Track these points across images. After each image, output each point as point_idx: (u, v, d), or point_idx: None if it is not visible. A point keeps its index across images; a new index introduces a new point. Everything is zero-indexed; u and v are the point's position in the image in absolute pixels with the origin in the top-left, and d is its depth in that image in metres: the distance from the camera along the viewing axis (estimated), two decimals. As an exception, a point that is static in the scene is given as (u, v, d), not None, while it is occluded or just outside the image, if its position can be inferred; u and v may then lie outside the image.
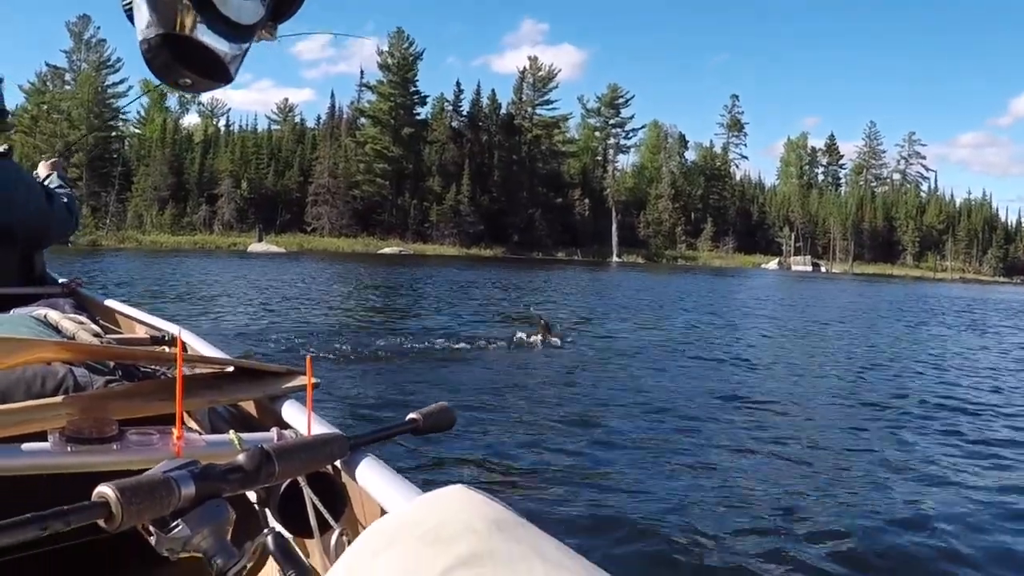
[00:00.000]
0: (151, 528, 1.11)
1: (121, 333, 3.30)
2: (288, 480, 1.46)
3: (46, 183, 4.07)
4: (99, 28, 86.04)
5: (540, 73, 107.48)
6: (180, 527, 1.11)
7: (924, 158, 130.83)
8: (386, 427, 1.69)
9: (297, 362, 2.10)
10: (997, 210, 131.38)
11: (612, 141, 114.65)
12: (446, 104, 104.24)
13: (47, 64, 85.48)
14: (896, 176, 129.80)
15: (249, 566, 1.17)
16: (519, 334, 14.67)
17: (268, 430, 1.78)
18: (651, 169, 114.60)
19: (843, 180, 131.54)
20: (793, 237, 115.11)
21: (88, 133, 74.29)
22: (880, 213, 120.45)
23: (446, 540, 0.61)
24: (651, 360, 13.54)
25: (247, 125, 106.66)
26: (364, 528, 0.69)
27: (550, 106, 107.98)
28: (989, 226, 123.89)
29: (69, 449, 1.52)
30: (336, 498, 1.58)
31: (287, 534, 1.30)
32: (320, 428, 1.69)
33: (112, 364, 2.11)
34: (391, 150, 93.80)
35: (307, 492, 1.50)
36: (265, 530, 1.19)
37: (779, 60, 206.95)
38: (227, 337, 12.96)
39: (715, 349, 15.65)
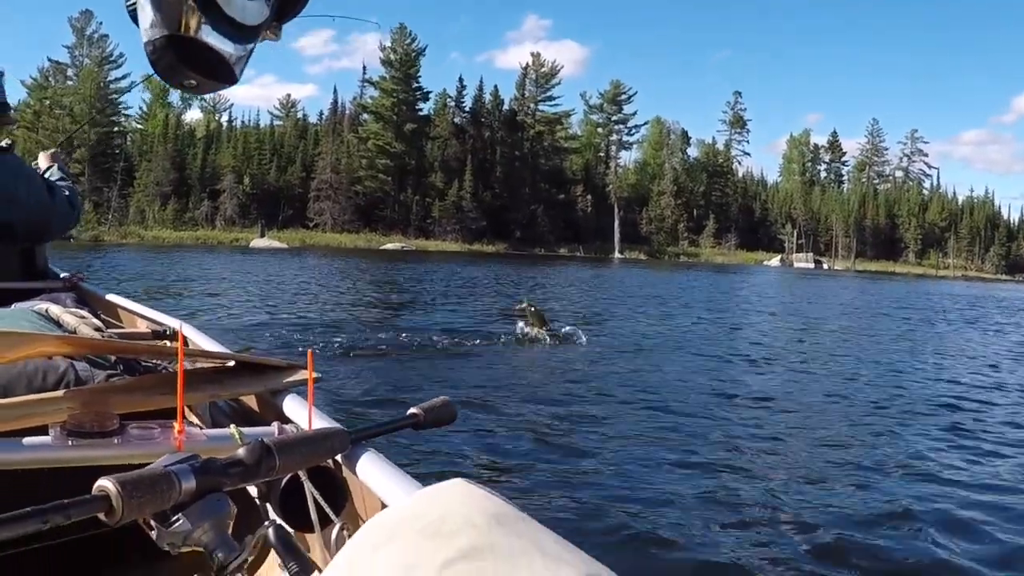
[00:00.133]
0: (152, 522, 1.11)
1: (122, 327, 3.30)
2: (289, 474, 1.46)
3: (47, 175, 4.07)
4: (101, 24, 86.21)
5: (543, 69, 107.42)
6: (181, 521, 1.10)
7: (927, 155, 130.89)
8: (387, 422, 1.69)
9: (298, 357, 2.08)
10: (1000, 208, 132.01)
11: (614, 137, 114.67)
12: (449, 100, 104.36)
13: (49, 59, 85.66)
14: (899, 173, 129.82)
15: (250, 560, 1.17)
16: (521, 329, 14.66)
17: (269, 424, 1.78)
18: (653, 165, 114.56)
19: (845, 177, 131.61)
20: (795, 234, 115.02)
21: (84, 123, 74.09)
22: (882, 210, 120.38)
23: (446, 534, 0.61)
24: (652, 356, 13.54)
25: (249, 120, 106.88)
26: (365, 522, 0.68)
27: (553, 102, 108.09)
28: (991, 224, 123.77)
29: (70, 443, 1.52)
30: (337, 492, 1.58)
31: (288, 528, 1.29)
32: (321, 422, 1.69)
33: (113, 358, 2.11)
34: (393, 146, 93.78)
35: (308, 486, 1.50)
36: (266, 522, 1.20)
37: (782, 57, 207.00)
38: (228, 332, 12.94)
39: (716, 346, 15.64)
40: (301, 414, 1.81)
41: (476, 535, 0.61)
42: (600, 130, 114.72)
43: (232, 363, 2.10)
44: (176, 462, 1.14)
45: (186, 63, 1.22)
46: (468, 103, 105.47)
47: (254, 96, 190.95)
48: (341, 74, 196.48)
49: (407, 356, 12.06)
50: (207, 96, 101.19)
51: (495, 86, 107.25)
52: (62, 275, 4.06)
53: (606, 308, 23.78)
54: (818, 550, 5.11)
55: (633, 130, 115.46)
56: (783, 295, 39.16)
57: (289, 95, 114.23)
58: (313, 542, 1.55)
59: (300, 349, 11.55)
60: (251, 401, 2.15)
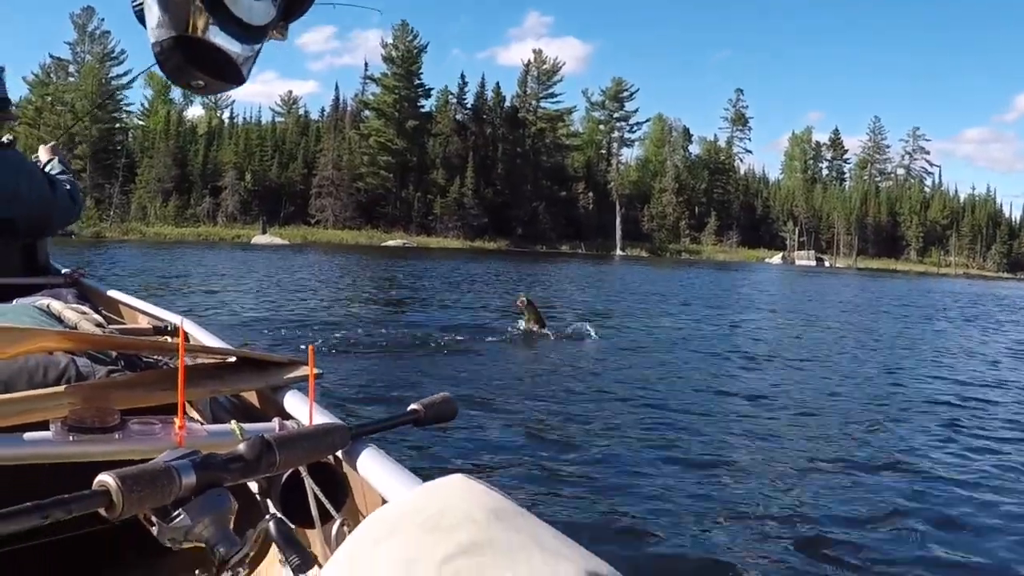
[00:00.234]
0: (153, 518, 1.11)
1: (123, 323, 3.30)
2: (289, 470, 1.46)
3: (47, 169, 4.06)
4: (103, 20, 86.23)
5: (544, 66, 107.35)
6: (181, 516, 1.11)
7: (928, 153, 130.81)
8: (388, 418, 1.69)
9: (299, 353, 2.08)
10: (1001, 206, 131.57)
11: (616, 135, 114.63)
12: (450, 97, 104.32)
13: (51, 56, 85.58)
14: (900, 171, 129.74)
15: (252, 554, 1.17)
16: (519, 325, 14.69)
17: (270, 420, 1.78)
18: (655, 163, 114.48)
19: (847, 175, 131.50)
20: (797, 232, 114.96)
21: (83, 116, 74.11)
22: (884, 208, 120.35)
23: (446, 529, 0.61)
24: (652, 353, 13.54)
25: (251, 117, 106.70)
26: (365, 518, 0.68)
27: (554, 99, 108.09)
28: (993, 222, 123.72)
29: (71, 438, 1.51)
30: (337, 488, 1.58)
31: (288, 522, 1.30)
32: (322, 418, 1.69)
33: (114, 354, 2.11)
34: (395, 143, 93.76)
35: (308, 482, 1.50)
36: (267, 515, 1.19)
37: (783, 54, 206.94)
38: (229, 328, 12.95)
39: (717, 343, 15.64)
40: (302, 410, 1.81)
41: (476, 530, 0.61)
42: (602, 127, 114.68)
43: (233, 359, 2.10)
44: (177, 458, 1.14)
45: (194, 64, 1.22)
46: (470, 100, 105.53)
47: (256, 93, 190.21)
48: (343, 71, 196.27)
49: (408, 352, 12.06)
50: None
51: (497, 83, 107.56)
52: (63, 271, 4.06)
53: (607, 305, 23.77)
54: (815, 547, 5.11)
55: (635, 127, 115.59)
56: (785, 292, 39.16)
57: (291, 92, 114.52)
58: (314, 538, 1.55)
59: (301, 345, 11.54)
60: (252, 397, 2.15)
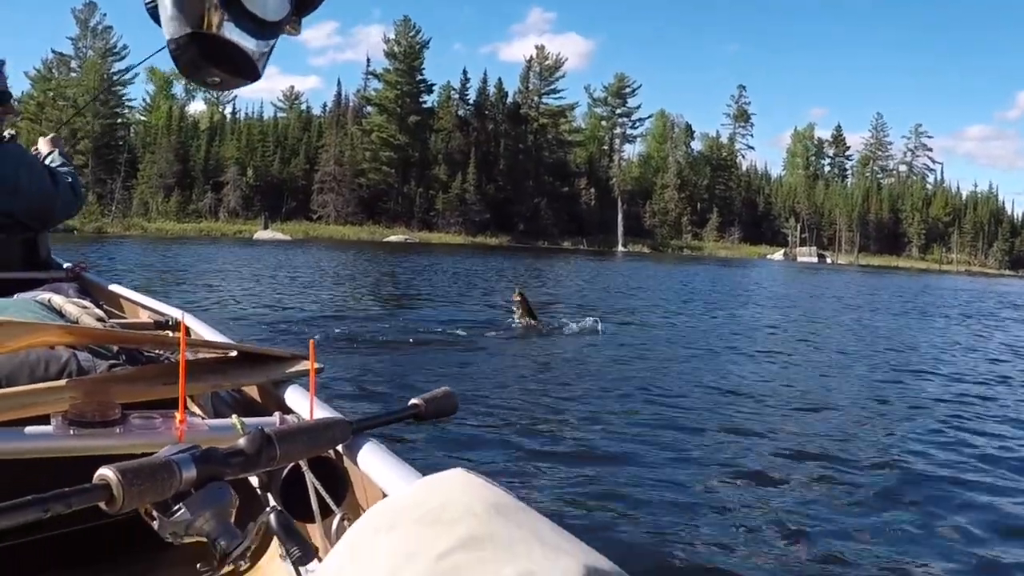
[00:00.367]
0: (154, 512, 1.11)
1: (125, 318, 3.30)
2: (290, 464, 1.46)
3: (48, 161, 4.06)
4: (105, 15, 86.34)
5: (547, 62, 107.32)
6: (182, 510, 1.11)
7: (931, 150, 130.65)
8: (388, 412, 1.69)
9: (300, 347, 2.08)
10: (1003, 203, 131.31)
11: (618, 131, 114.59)
12: (452, 92, 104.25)
13: (53, 51, 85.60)
14: (902, 168, 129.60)
15: (253, 548, 1.17)
16: (515, 319, 14.72)
17: (271, 414, 1.78)
18: (657, 159, 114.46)
19: (849, 171, 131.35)
20: (799, 228, 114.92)
21: (83, 108, 74.06)
22: (886, 205, 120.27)
23: (446, 523, 0.61)
24: (652, 349, 13.54)
25: (253, 112, 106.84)
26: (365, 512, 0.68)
27: (557, 95, 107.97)
28: (995, 219, 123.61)
29: (72, 433, 1.51)
30: (338, 482, 1.58)
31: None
32: (323, 412, 1.69)
33: (116, 348, 2.12)
34: (397, 138, 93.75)
35: (309, 476, 1.50)
36: (267, 508, 1.21)
37: (786, 51, 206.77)
38: (231, 322, 12.95)
39: (717, 339, 15.63)
40: (303, 404, 1.81)
41: (475, 524, 0.61)
42: (604, 123, 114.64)
43: (234, 353, 2.10)
44: (177, 452, 1.14)
45: (209, 60, 1.23)
46: (472, 96, 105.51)
47: (257, 88, 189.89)
48: (345, 66, 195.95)
49: (409, 347, 12.07)
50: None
51: (499, 79, 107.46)
52: (65, 265, 4.06)
53: (608, 301, 23.76)
54: (813, 543, 5.11)
55: (637, 123, 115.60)
56: (786, 289, 39.14)
57: (293, 87, 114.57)
58: (314, 532, 1.55)
59: (303, 339, 11.56)
60: (253, 391, 2.15)
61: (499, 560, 0.57)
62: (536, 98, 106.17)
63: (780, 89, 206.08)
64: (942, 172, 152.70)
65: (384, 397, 8.36)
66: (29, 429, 1.51)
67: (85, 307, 2.55)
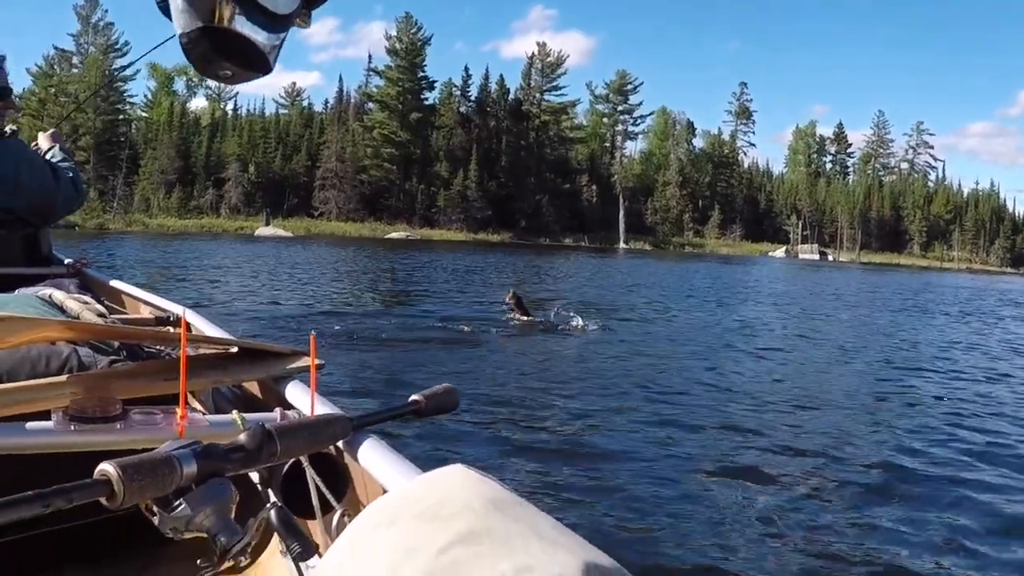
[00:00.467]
0: (154, 508, 1.11)
1: (126, 313, 3.30)
2: (291, 460, 1.46)
3: (48, 156, 4.06)
4: (106, 11, 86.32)
5: (548, 59, 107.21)
6: (182, 506, 1.11)
7: (932, 147, 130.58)
8: (389, 408, 1.69)
9: (301, 343, 2.08)
10: (1005, 200, 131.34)
11: (620, 128, 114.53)
12: (454, 89, 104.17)
13: (55, 47, 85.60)
14: (904, 165, 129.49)
15: (253, 544, 1.17)
16: (519, 319, 14.75)
17: (271, 410, 1.78)
18: (659, 156, 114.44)
19: (851, 169, 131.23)
20: (800, 225, 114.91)
21: (83, 103, 74.01)
22: (888, 202, 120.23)
23: (445, 518, 0.62)
24: (653, 345, 13.55)
25: (255, 109, 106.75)
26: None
27: (558, 92, 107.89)
28: (996, 216, 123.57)
29: (72, 428, 1.52)
30: (338, 478, 1.58)
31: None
32: (324, 409, 1.69)
33: (116, 344, 2.11)
34: (399, 135, 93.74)
35: (309, 472, 1.50)
36: (268, 504, 1.20)
37: (788, 49, 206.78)
38: (232, 318, 12.97)
39: (718, 335, 15.64)
40: (303, 400, 1.81)
41: (474, 519, 0.61)
42: (606, 120, 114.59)
43: (235, 349, 2.10)
44: (178, 447, 1.14)
45: (221, 54, 1.23)
46: (474, 93, 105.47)
47: (259, 84, 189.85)
48: (346, 63, 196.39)
49: (410, 344, 12.07)
50: (212, 84, 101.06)
51: (501, 76, 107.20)
52: (66, 261, 4.06)
53: (609, 298, 23.76)
54: (811, 540, 5.12)
55: (639, 120, 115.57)
56: (787, 286, 39.12)
57: (294, 83, 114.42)
58: (315, 528, 1.55)
59: (304, 336, 11.56)
60: (253, 387, 2.15)
61: (497, 555, 0.57)
62: (538, 95, 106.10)
63: (782, 86, 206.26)
64: (944, 169, 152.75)
65: (384, 393, 8.36)
66: (30, 425, 1.51)
67: (86, 303, 2.55)
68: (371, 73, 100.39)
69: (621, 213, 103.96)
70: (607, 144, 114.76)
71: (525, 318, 14.80)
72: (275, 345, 2.16)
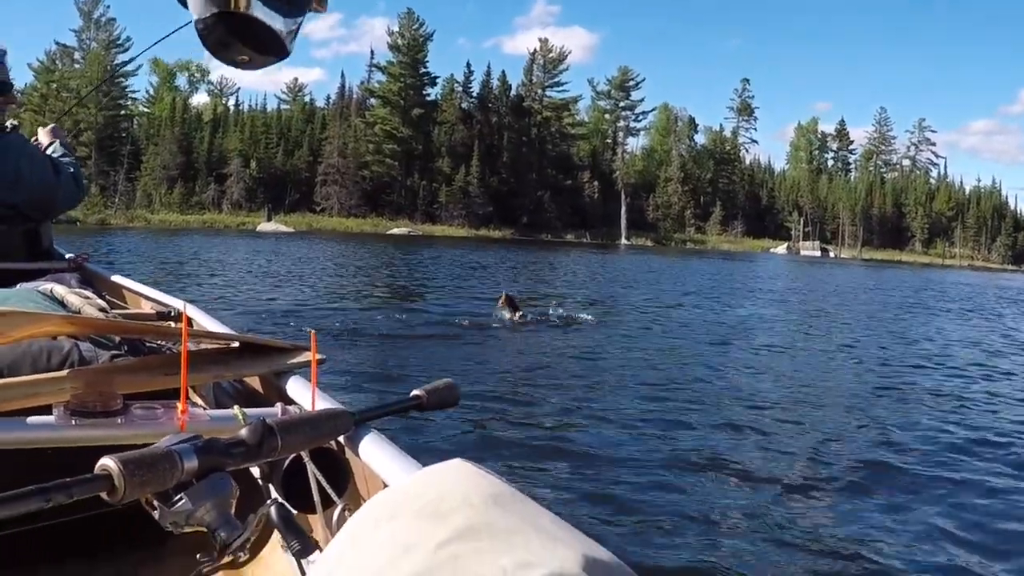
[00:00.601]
0: (155, 502, 1.11)
1: (127, 308, 3.29)
2: (292, 455, 1.46)
3: (49, 151, 4.05)
4: (108, 7, 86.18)
5: (551, 55, 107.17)
6: (183, 501, 1.11)
7: (934, 144, 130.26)
8: (390, 403, 1.69)
9: (302, 338, 2.08)
10: (1006, 198, 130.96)
11: (622, 124, 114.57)
12: (456, 85, 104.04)
13: (56, 43, 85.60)
14: (906, 162, 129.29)
15: (253, 539, 1.16)
16: (515, 318, 14.76)
17: (273, 405, 1.78)
18: (661, 152, 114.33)
19: (853, 166, 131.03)
20: (802, 222, 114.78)
21: (83, 97, 73.94)
22: (889, 199, 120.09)
23: (444, 513, 0.62)
24: (653, 341, 13.56)
25: (256, 104, 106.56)
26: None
27: (560, 88, 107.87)
28: (998, 214, 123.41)
29: (74, 423, 1.52)
30: (339, 473, 1.58)
31: (290, 507, 1.30)
32: (324, 404, 1.69)
33: (118, 339, 2.11)
34: (401, 131, 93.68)
35: (310, 467, 1.50)
36: (268, 501, 1.20)
37: (790, 45, 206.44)
38: (233, 313, 12.98)
39: (719, 332, 15.64)
40: (304, 395, 1.80)
41: (473, 514, 0.61)
42: (607, 116, 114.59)
43: (236, 344, 2.10)
44: (179, 442, 1.14)
45: (237, 38, 1.21)
46: (475, 88, 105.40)
47: (261, 80, 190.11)
48: (348, 58, 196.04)
49: (411, 339, 12.09)
50: (214, 80, 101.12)
51: (503, 72, 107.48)
52: (67, 256, 4.05)
53: (610, 294, 23.79)
54: (810, 537, 5.12)
55: (640, 116, 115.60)
56: (788, 283, 39.12)
57: (296, 79, 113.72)
58: (315, 523, 1.56)
59: (304, 331, 11.55)
60: (255, 382, 2.15)
61: (497, 550, 0.57)
62: (540, 91, 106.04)
63: (784, 83, 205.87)
64: (945, 167, 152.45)
65: (385, 388, 8.37)
66: (31, 419, 1.51)
67: (87, 297, 2.55)
68: (373, 69, 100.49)
69: (623, 209, 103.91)
70: (609, 140, 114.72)
71: (517, 314, 14.76)
72: (276, 340, 2.15)
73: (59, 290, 2.55)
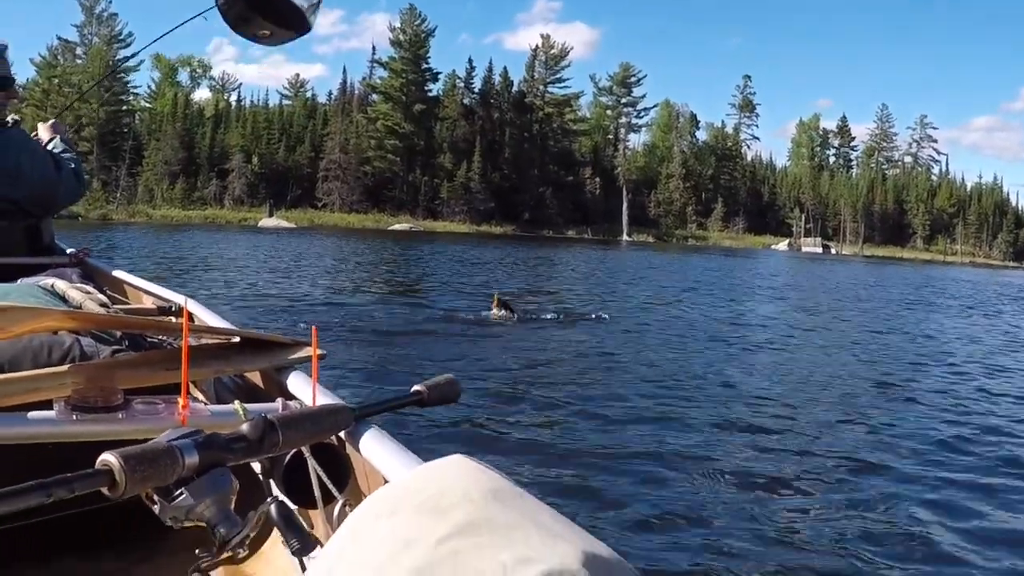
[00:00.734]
0: (155, 497, 1.10)
1: (128, 303, 3.29)
2: (292, 451, 1.46)
3: (49, 147, 4.05)
4: (110, 2, 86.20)
5: (552, 51, 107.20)
6: (183, 496, 1.10)
7: (936, 141, 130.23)
8: (391, 398, 1.69)
9: (303, 334, 2.08)
10: (1008, 194, 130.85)
11: (623, 120, 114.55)
12: (458, 81, 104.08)
13: (58, 38, 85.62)
14: (907, 159, 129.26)
15: (252, 535, 1.16)
16: (515, 314, 14.76)
17: (273, 401, 1.78)
18: (662, 148, 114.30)
19: (854, 162, 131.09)
20: (803, 218, 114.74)
21: (84, 92, 73.89)
22: (891, 196, 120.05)
23: (444, 509, 0.62)
24: (655, 338, 13.57)
25: (258, 100, 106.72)
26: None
27: (562, 84, 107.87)
28: (1000, 210, 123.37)
29: (74, 418, 1.52)
30: (340, 469, 1.58)
31: (291, 504, 1.29)
32: (325, 399, 1.69)
33: (119, 334, 2.11)
34: (402, 126, 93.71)
35: (311, 463, 1.50)
36: (268, 499, 1.19)
37: (792, 42, 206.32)
38: (234, 308, 12.99)
39: (720, 329, 15.64)
40: (305, 391, 1.80)
41: (473, 510, 0.61)
42: (609, 112, 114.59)
43: (237, 339, 2.10)
44: (179, 437, 1.13)
45: (258, 12, 1.20)
46: (477, 84, 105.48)
47: (263, 75, 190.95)
48: (350, 54, 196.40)
49: (412, 335, 12.09)
50: (216, 75, 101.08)
51: (504, 67, 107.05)
52: (68, 251, 4.04)
53: (612, 290, 23.80)
54: (810, 535, 5.13)
55: (642, 113, 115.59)
56: (789, 279, 39.13)
57: (298, 75, 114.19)
58: (316, 518, 1.56)
59: (304, 326, 11.57)
60: (255, 377, 2.15)
61: (497, 546, 0.57)
62: (541, 87, 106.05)
63: (785, 80, 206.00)
64: (947, 163, 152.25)
65: (386, 383, 8.39)
66: (32, 414, 1.51)
67: (88, 292, 2.55)
68: (375, 64, 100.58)
69: (624, 205, 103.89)
70: (610, 136, 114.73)
71: (512, 315, 14.75)
72: (277, 335, 2.15)
73: (60, 285, 2.54)
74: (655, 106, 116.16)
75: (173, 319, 2.67)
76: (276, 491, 1.49)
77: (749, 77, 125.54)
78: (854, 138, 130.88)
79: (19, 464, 1.40)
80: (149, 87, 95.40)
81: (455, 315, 14.31)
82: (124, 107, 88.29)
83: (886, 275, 51.23)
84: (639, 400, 8.68)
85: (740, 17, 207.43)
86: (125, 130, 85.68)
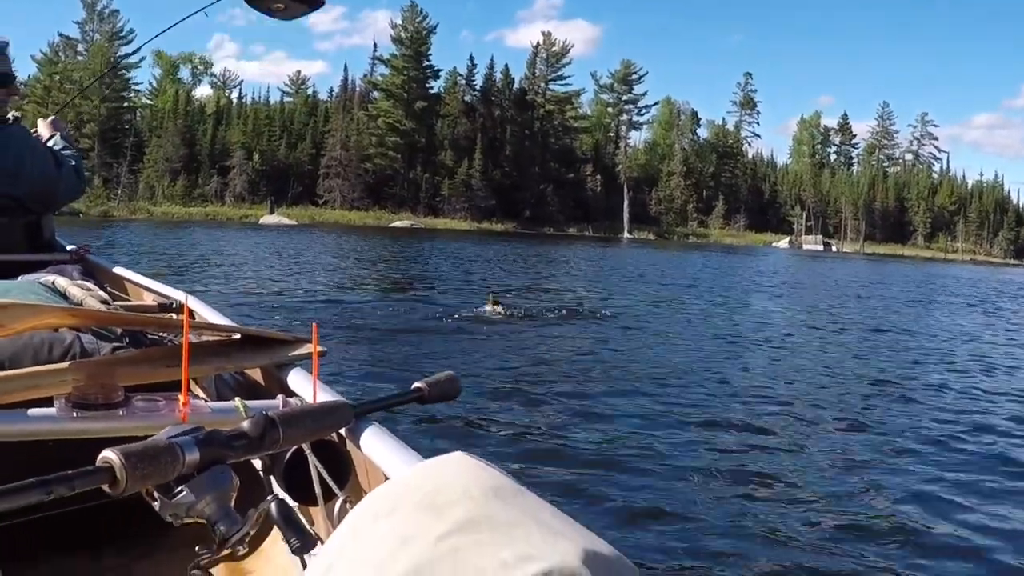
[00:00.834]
0: (155, 494, 1.10)
1: (129, 300, 3.29)
2: (293, 448, 1.46)
3: (49, 143, 4.04)
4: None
5: (553, 48, 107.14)
6: (184, 493, 1.10)
7: (936, 139, 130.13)
8: (391, 395, 1.69)
9: (304, 331, 2.08)
10: (1009, 192, 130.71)
11: (624, 117, 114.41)
12: (459, 78, 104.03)
13: (60, 34, 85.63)
14: (908, 157, 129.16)
15: (253, 533, 1.16)
16: (525, 309, 14.76)
17: (274, 397, 1.78)
18: (663, 146, 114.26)
19: (855, 160, 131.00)
20: (804, 216, 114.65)
21: (83, 89, 73.81)
22: (892, 193, 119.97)
23: (443, 506, 0.62)
24: (655, 336, 13.58)
25: (259, 97, 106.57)
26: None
27: (563, 81, 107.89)
28: (1000, 208, 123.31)
29: (75, 415, 1.52)
30: (341, 466, 1.58)
31: (291, 501, 1.30)
32: (326, 396, 1.69)
33: (119, 331, 2.11)
34: (403, 123, 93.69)
35: (312, 460, 1.50)
36: (268, 497, 1.19)
37: (793, 39, 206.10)
38: (235, 305, 12.98)
39: (721, 327, 15.64)
40: (306, 387, 1.80)
41: (473, 507, 0.61)
42: (610, 110, 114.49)
43: (238, 336, 2.10)
44: (180, 434, 1.13)
45: None
46: (478, 82, 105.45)
47: (264, 72, 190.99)
48: (351, 51, 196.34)
49: (412, 332, 12.09)
50: (217, 72, 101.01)
51: (505, 65, 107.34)
52: (69, 247, 4.04)
53: (612, 288, 23.80)
54: (810, 534, 5.13)
55: (643, 110, 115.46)
56: (790, 277, 39.11)
57: (299, 72, 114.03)
58: (317, 515, 1.56)
59: (306, 323, 11.55)
60: (256, 374, 2.15)
61: (497, 543, 0.57)
62: (542, 84, 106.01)
63: (787, 77, 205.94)
64: (948, 161, 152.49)
65: (387, 380, 8.40)
66: (32, 411, 1.52)
67: (89, 289, 2.55)
68: (376, 62, 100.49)
69: (625, 203, 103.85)
70: (611, 134, 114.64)
71: (503, 309, 14.77)
72: (277, 332, 2.15)
73: (61, 282, 2.54)
74: (656, 103, 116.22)
75: (174, 316, 2.66)
76: (277, 488, 1.50)
77: (750, 74, 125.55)
78: (855, 135, 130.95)
79: (20, 461, 1.40)
80: (150, 84, 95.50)
81: (456, 312, 14.30)
82: (125, 104, 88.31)
83: (887, 273, 51.23)
84: (639, 397, 8.68)
85: (741, 14, 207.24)
86: (126, 127, 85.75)
